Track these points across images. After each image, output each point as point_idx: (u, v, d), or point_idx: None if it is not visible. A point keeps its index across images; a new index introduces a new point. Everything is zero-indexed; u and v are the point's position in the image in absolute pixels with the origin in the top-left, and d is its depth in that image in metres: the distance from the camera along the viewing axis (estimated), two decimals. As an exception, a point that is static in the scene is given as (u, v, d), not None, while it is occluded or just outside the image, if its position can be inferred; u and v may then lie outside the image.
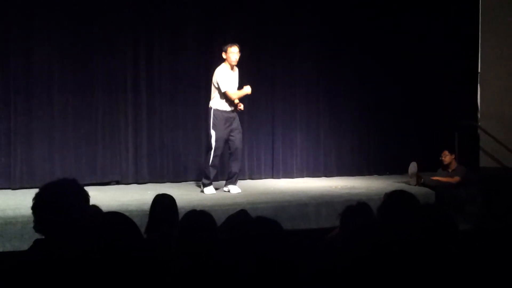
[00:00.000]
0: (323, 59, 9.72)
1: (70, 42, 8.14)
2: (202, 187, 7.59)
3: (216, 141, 7.44)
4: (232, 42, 7.53)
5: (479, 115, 10.07)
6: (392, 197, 3.56)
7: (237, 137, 7.57)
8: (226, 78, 7.42)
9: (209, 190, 7.51)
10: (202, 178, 7.69)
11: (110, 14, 8.38)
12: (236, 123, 7.59)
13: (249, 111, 9.04)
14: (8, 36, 7.85)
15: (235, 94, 7.50)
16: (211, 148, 7.48)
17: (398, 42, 9.93)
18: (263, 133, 9.39)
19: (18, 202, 6.52)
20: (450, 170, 8.59)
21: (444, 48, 10.13)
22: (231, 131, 7.52)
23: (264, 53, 9.36)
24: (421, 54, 9.99)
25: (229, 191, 7.61)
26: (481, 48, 9.98)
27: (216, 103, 7.48)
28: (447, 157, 8.61)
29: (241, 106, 7.60)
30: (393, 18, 9.97)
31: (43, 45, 8.01)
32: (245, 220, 3.71)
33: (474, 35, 10.06)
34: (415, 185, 8.33)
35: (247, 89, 7.56)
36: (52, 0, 8.05)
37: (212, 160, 7.46)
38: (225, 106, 7.48)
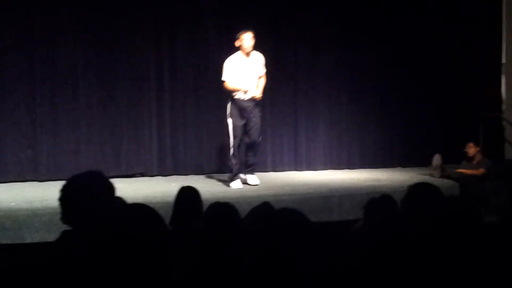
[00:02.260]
0: (345, 51, 9.66)
1: (94, 36, 8.22)
2: (229, 181, 7.53)
3: (233, 129, 7.41)
4: (245, 29, 7.47)
5: (503, 107, 9.97)
6: (416, 189, 3.54)
7: (253, 129, 7.44)
8: (230, 68, 7.36)
9: (236, 184, 7.43)
10: (227, 171, 7.70)
11: (133, 8, 8.43)
12: (254, 113, 7.43)
13: (272, 104, 9.05)
14: (32, 30, 7.94)
15: (231, 86, 7.35)
16: (230, 138, 7.47)
17: (421, 33, 9.82)
18: (286, 126, 9.38)
19: (45, 194, 6.61)
20: (474, 163, 8.50)
21: (467, 39, 10.02)
22: (248, 120, 7.42)
23: (285, 47, 9.32)
24: (444, 45, 9.88)
25: (246, 180, 7.57)
26: (504, 38, 9.87)
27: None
28: (471, 149, 8.53)
29: (257, 96, 7.41)
30: (415, 9, 9.86)
31: (67, 38, 8.09)
32: (269, 212, 3.73)
33: (498, 25, 9.96)
34: (439, 177, 8.26)
35: (244, 87, 7.36)
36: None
37: (232, 151, 7.44)
38: (240, 95, 7.39)
